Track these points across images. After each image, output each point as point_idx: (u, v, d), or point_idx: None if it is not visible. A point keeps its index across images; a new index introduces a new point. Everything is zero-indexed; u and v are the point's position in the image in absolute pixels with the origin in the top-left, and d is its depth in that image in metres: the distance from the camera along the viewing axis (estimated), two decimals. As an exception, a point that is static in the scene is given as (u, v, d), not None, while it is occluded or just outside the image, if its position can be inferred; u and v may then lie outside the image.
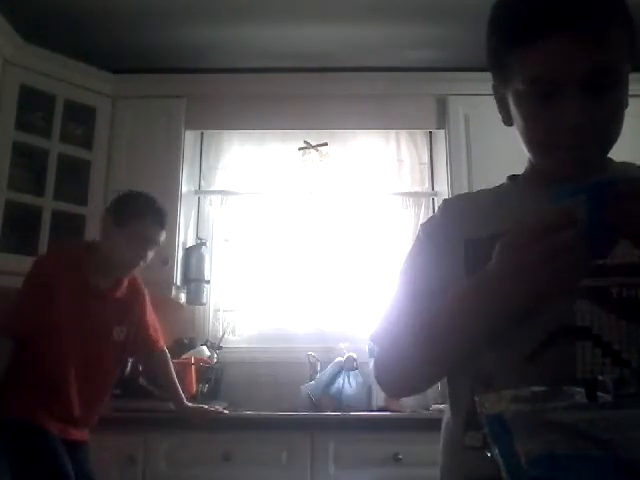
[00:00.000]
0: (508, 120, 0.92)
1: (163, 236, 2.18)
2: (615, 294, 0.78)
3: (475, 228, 0.88)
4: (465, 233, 0.89)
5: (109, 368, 2.14)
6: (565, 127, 0.80)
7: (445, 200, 1.03)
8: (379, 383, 0.97)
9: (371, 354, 2.76)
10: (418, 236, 1.00)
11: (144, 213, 2.11)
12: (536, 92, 0.82)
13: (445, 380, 0.93)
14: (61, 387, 1.98)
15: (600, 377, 0.62)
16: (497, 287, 0.74)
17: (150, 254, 2.14)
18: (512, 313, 0.76)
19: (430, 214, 2.91)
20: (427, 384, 0.96)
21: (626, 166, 0.94)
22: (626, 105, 0.85)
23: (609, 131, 0.85)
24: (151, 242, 2.11)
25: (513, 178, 0.99)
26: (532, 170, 0.94)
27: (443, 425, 0.94)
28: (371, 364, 2.71)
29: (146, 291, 2.30)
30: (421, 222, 1.03)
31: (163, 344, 2.39)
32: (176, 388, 2.32)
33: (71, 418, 2.01)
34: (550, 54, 0.79)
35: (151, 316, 2.32)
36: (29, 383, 1.96)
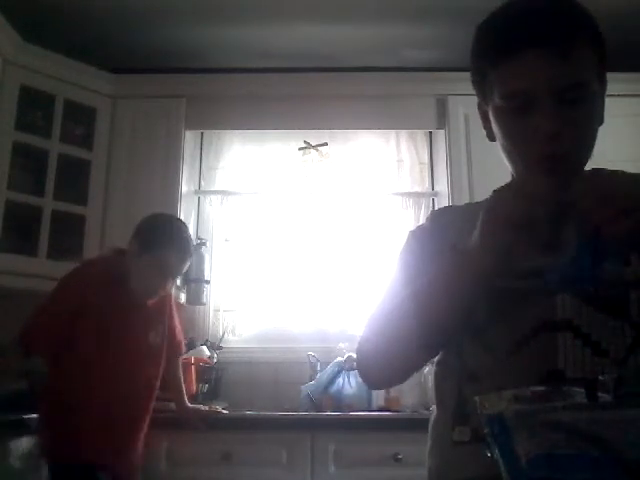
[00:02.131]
0: (491, 136, 0.95)
1: (187, 266, 2.08)
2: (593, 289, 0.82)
3: (462, 236, 0.90)
4: (452, 241, 0.92)
5: (150, 379, 2.07)
6: (541, 135, 0.83)
7: (433, 211, 1.08)
8: (362, 376, 0.99)
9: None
10: (407, 241, 1.03)
11: (170, 243, 2.00)
12: (512, 106, 0.86)
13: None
14: (104, 410, 1.90)
15: (600, 377, 0.62)
16: (476, 256, 0.79)
17: (170, 283, 2.07)
18: (487, 281, 0.80)
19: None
20: (407, 370, 0.96)
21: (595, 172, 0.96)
22: (600, 122, 0.89)
23: (582, 144, 0.88)
24: (173, 273, 2.04)
25: (498, 190, 1.01)
26: (517, 181, 0.96)
27: (431, 425, 0.95)
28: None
29: (172, 292, 2.26)
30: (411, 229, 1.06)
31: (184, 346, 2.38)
32: (181, 389, 2.31)
33: (122, 444, 1.97)
34: (523, 69, 0.84)
35: (177, 318, 2.28)
36: (76, 414, 1.87)
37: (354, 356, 2.73)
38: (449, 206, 1.11)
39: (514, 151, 0.89)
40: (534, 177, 0.86)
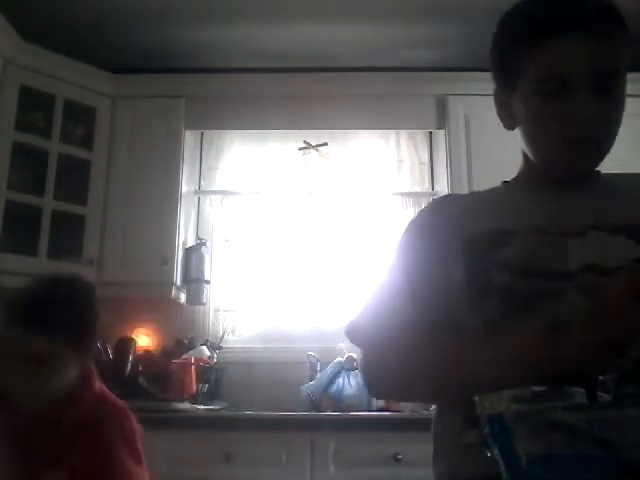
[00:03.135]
0: (511, 124, 0.94)
1: None
2: None
3: (469, 225, 0.89)
4: (459, 231, 0.90)
5: None
6: (579, 120, 0.83)
7: (434, 200, 1.04)
8: (369, 385, 0.94)
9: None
10: (407, 231, 1.00)
11: None
12: (547, 89, 0.85)
13: None
14: None
15: (600, 377, 0.62)
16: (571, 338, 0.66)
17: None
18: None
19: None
20: (426, 402, 0.95)
21: (621, 177, 0.96)
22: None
23: (611, 133, 0.88)
24: None
25: (506, 183, 1.01)
26: (528, 172, 0.96)
27: (436, 428, 0.91)
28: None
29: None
30: (406, 228, 1.02)
31: None
32: None
33: None
34: (563, 52, 0.82)
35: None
36: None
37: (354, 356, 2.75)
38: (450, 195, 1.08)
39: (543, 135, 0.88)
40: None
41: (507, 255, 0.83)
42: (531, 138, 0.90)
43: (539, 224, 0.85)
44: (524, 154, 0.96)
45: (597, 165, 0.91)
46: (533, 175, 0.94)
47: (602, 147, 0.88)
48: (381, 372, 0.91)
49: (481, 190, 1.00)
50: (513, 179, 1.00)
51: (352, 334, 0.95)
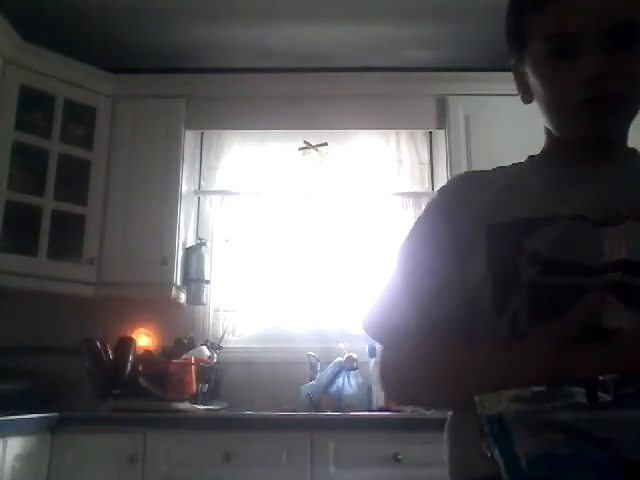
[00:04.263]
0: (527, 97, 0.90)
1: None
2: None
3: (496, 211, 0.84)
4: (484, 217, 0.84)
5: None
6: (586, 77, 0.78)
7: (458, 176, 0.96)
8: (386, 388, 0.87)
9: (371, 354, 2.76)
10: (426, 214, 0.92)
11: None
12: (556, 49, 0.81)
13: None
14: None
15: (600, 377, 0.62)
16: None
17: None
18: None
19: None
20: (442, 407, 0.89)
21: None
22: None
23: (634, 86, 0.81)
24: None
25: (531, 158, 0.95)
26: (551, 147, 0.92)
27: (452, 424, 0.86)
28: (372, 362, 2.71)
29: None
30: (424, 210, 0.93)
31: None
32: None
33: None
34: (569, 7, 0.79)
35: None
36: None
37: (354, 356, 2.75)
38: (474, 172, 0.97)
39: (557, 100, 0.83)
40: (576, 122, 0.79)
41: (536, 246, 0.78)
42: (547, 106, 0.85)
43: (571, 212, 0.80)
44: (546, 130, 0.91)
45: (624, 125, 0.85)
46: (561, 152, 0.89)
47: (626, 103, 0.81)
48: (397, 376, 0.86)
49: (505, 166, 0.94)
50: (539, 155, 0.94)
51: (371, 329, 0.88)
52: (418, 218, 0.93)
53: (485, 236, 0.83)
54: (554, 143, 0.91)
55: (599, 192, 0.82)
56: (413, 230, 0.92)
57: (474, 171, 0.97)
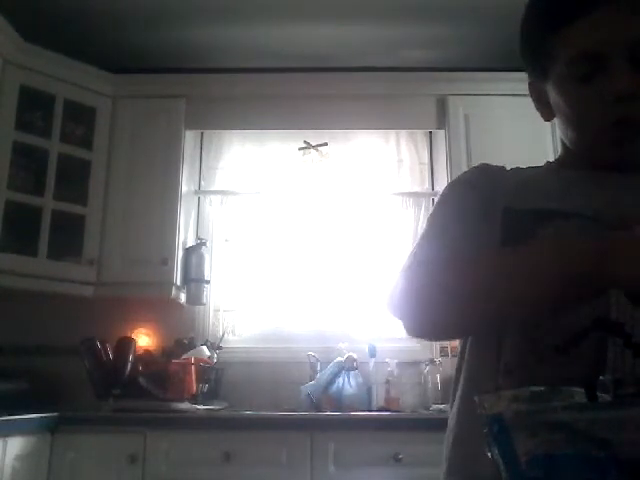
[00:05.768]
0: (548, 115, 0.90)
1: None
2: None
3: (513, 197, 0.85)
4: (502, 200, 0.85)
5: None
6: (613, 97, 0.78)
7: (482, 164, 0.95)
8: (402, 316, 0.80)
9: (371, 354, 2.76)
10: (450, 186, 0.93)
11: None
12: (580, 72, 0.80)
13: (451, 377, 0.89)
14: None
15: (600, 377, 0.62)
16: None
17: None
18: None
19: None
20: (464, 332, 0.84)
21: None
22: None
23: None
24: None
25: (548, 163, 0.96)
26: (567, 156, 0.91)
27: (458, 414, 0.85)
28: (372, 362, 2.71)
29: None
30: (450, 183, 0.94)
31: None
32: None
33: None
34: (592, 28, 0.78)
35: None
36: None
37: (354, 356, 2.75)
38: (496, 165, 0.95)
39: (582, 120, 0.82)
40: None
41: (550, 235, 0.78)
42: (570, 125, 0.85)
43: (587, 212, 0.80)
44: (563, 143, 0.91)
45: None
46: (578, 162, 0.88)
47: None
48: (418, 300, 0.79)
49: (524, 167, 0.94)
50: (556, 161, 0.94)
51: (389, 304, 0.82)
52: (442, 192, 0.92)
53: (501, 218, 0.83)
54: (570, 154, 0.91)
55: (616, 196, 0.82)
56: (440, 203, 0.91)
57: (488, 164, 0.96)
